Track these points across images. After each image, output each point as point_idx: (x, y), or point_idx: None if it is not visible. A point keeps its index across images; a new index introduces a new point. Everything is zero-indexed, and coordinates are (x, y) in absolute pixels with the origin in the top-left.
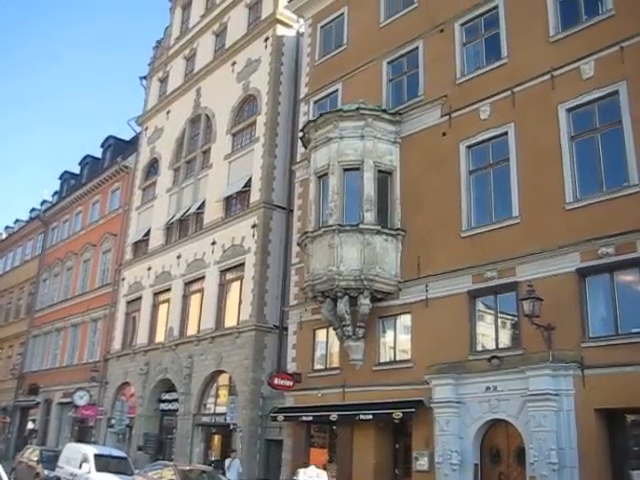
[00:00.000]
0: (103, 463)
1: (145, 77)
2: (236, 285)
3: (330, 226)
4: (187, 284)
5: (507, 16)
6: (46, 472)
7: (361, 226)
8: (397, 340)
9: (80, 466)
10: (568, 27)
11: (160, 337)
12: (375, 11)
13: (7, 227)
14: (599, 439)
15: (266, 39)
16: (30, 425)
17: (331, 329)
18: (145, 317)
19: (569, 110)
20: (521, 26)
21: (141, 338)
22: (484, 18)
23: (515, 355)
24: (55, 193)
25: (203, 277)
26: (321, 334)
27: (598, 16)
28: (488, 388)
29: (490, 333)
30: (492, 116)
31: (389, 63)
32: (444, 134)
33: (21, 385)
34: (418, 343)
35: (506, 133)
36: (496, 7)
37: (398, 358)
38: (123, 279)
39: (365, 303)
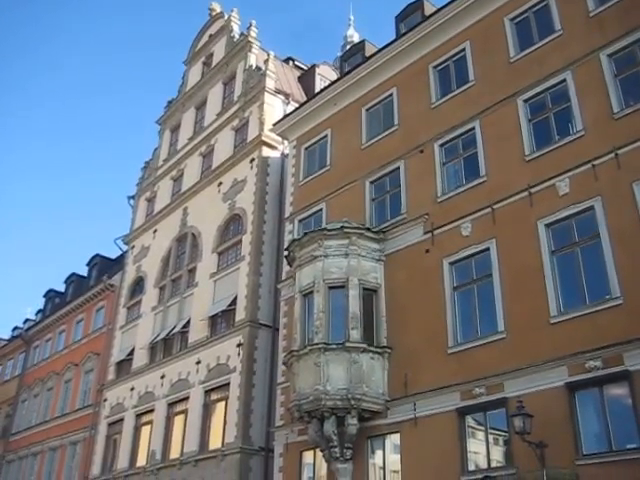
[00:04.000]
0: None
1: (133, 197)
2: (221, 405)
3: (316, 344)
4: (171, 405)
5: (484, 137)
6: None
7: (347, 344)
8: (387, 461)
9: None
10: (542, 146)
11: (142, 461)
12: (357, 133)
13: None
14: None
15: (252, 160)
16: None
17: (318, 451)
18: (127, 440)
19: (548, 225)
20: (498, 146)
21: (122, 462)
22: (462, 139)
23: (508, 474)
24: (39, 311)
25: (187, 397)
26: (308, 456)
27: (569, 136)
28: None
29: (482, 451)
30: (473, 233)
31: (371, 183)
32: (427, 251)
33: None
34: (408, 464)
35: (488, 249)
36: (473, 129)
37: None
38: (105, 400)
39: (353, 423)
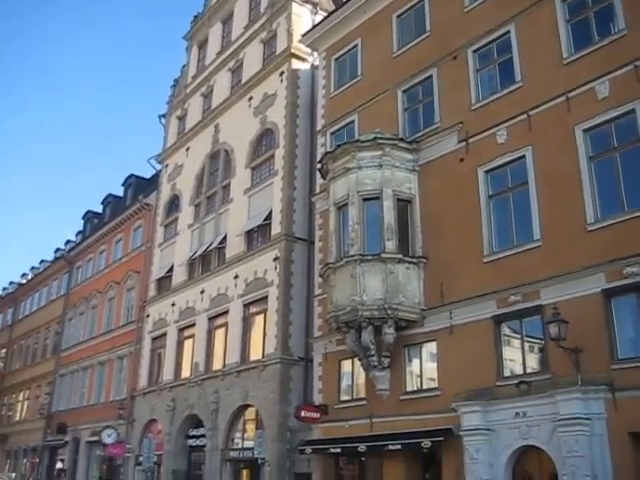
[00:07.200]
0: None
1: (164, 115)
2: (260, 318)
3: (352, 256)
4: (211, 319)
5: (519, 40)
6: None
7: (383, 255)
8: (423, 368)
9: None
10: (581, 48)
11: (186, 373)
12: (388, 41)
13: (33, 268)
14: (634, 464)
15: (281, 73)
16: (59, 465)
17: (356, 359)
18: (170, 353)
19: (586, 131)
20: (534, 50)
21: (167, 374)
22: (496, 44)
23: (543, 379)
24: (79, 233)
25: (227, 311)
26: (347, 365)
27: (610, 36)
28: (517, 414)
29: (517, 358)
30: (509, 140)
31: (404, 92)
32: (462, 160)
33: (49, 425)
34: (444, 371)
35: (524, 157)
36: (508, 32)
37: (425, 387)
38: (147, 316)
39: (389, 332)
